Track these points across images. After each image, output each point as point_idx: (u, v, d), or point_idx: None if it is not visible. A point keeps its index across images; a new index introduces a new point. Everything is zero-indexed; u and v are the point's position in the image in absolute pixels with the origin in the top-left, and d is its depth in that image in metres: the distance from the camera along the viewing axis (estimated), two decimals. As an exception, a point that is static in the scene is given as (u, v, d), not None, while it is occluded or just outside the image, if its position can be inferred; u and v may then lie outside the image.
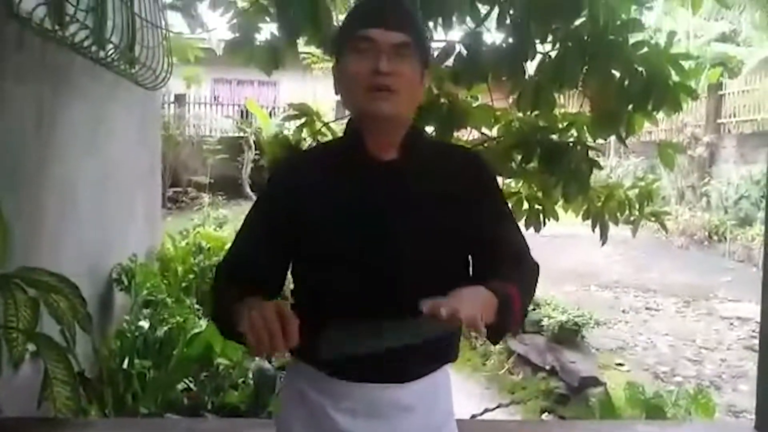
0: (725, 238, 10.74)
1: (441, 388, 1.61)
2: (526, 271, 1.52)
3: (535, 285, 1.54)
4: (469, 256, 1.56)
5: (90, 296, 3.65)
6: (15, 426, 2.31)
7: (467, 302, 1.24)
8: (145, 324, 3.92)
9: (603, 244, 3.38)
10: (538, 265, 1.55)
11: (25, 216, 2.88)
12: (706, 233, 11.13)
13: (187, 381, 3.70)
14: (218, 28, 3.55)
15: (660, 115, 2.96)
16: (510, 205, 3.23)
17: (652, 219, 3.41)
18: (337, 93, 1.55)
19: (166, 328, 3.90)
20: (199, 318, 4.19)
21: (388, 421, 1.51)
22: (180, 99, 15.19)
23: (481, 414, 3.95)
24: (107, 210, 4.33)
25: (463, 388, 5.77)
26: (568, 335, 6.15)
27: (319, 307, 1.49)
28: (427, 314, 1.22)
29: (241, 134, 14.51)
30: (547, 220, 3.29)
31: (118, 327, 4.03)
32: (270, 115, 14.74)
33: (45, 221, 3.12)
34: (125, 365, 3.51)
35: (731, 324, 7.53)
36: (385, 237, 1.46)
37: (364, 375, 1.45)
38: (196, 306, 4.48)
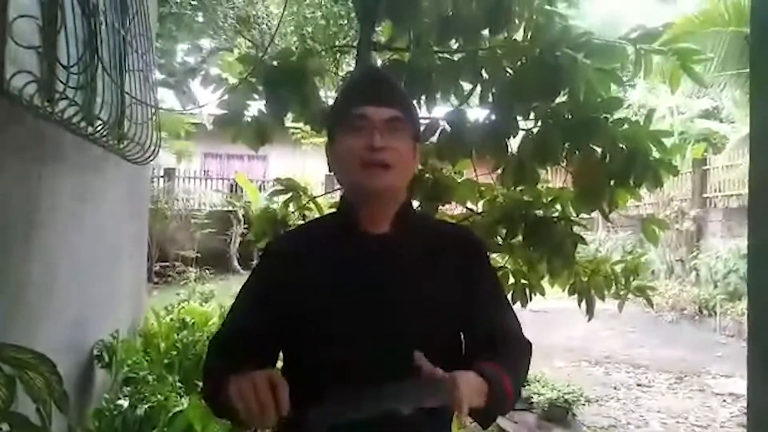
0: (715, 313, 10.73)
1: None
2: (519, 352, 1.53)
3: (528, 365, 1.56)
4: (461, 333, 1.56)
5: (69, 373, 3.59)
6: None
7: (461, 383, 1.25)
8: (124, 402, 3.84)
9: (589, 320, 3.37)
10: (530, 344, 1.56)
11: (7, 291, 2.86)
12: (697, 308, 11.13)
13: (166, 462, 3.62)
14: (209, 103, 3.62)
15: (644, 190, 3.01)
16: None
17: (638, 294, 3.41)
18: (330, 170, 1.58)
19: (146, 406, 3.82)
20: (181, 396, 4.11)
21: None
22: (170, 173, 15.30)
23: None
24: (91, 285, 4.30)
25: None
26: (559, 413, 6.06)
27: (310, 383, 1.47)
28: (423, 373, 1.23)
29: (231, 208, 14.57)
30: (533, 294, 3.29)
31: (98, 405, 3.95)
32: (260, 189, 14.84)
33: (27, 296, 3.09)
34: (104, 445, 3.44)
35: (724, 401, 7.44)
36: (377, 310, 1.47)
37: None
38: (179, 383, 4.40)
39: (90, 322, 4.32)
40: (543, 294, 3.32)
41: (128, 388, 4.23)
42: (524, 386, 6.38)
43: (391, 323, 1.47)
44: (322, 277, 1.50)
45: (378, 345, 1.46)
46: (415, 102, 2.89)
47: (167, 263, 13.19)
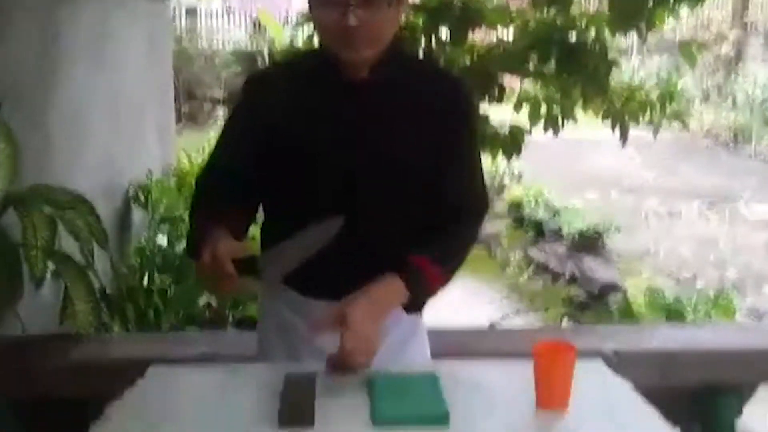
0: (751, 139, 10.56)
1: None
2: (464, 226, 1.56)
3: (474, 235, 1.60)
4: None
5: (108, 214, 3.68)
6: (39, 343, 2.36)
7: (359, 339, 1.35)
8: (163, 240, 3.95)
9: (623, 146, 3.33)
10: (485, 206, 1.61)
11: (35, 137, 2.88)
12: (732, 134, 10.94)
13: (207, 296, 3.75)
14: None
15: (683, 12, 2.86)
16: (527, 107, 3.20)
17: (674, 119, 3.33)
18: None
19: (184, 244, 3.93)
20: (218, 232, 4.21)
21: None
22: (191, 12, 14.97)
23: (500, 321, 3.98)
24: (120, 127, 4.31)
25: (481, 297, 5.82)
26: (589, 242, 6.13)
27: (287, 221, 1.49)
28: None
29: (255, 47, 14.30)
30: (565, 122, 3.23)
31: (138, 244, 4.07)
32: (283, 25, 14.46)
33: (56, 141, 3.11)
34: (146, 281, 3.56)
35: (755, 227, 7.47)
36: (346, 154, 1.47)
37: (331, 293, 1.45)
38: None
39: (123, 165, 4.38)
40: (575, 121, 3.25)
41: (166, 227, 4.35)
42: (553, 216, 6.46)
43: (359, 167, 1.47)
44: (298, 116, 1.48)
45: (351, 183, 1.48)
46: None
47: (195, 104, 13.17)
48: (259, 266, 1.36)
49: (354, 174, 1.47)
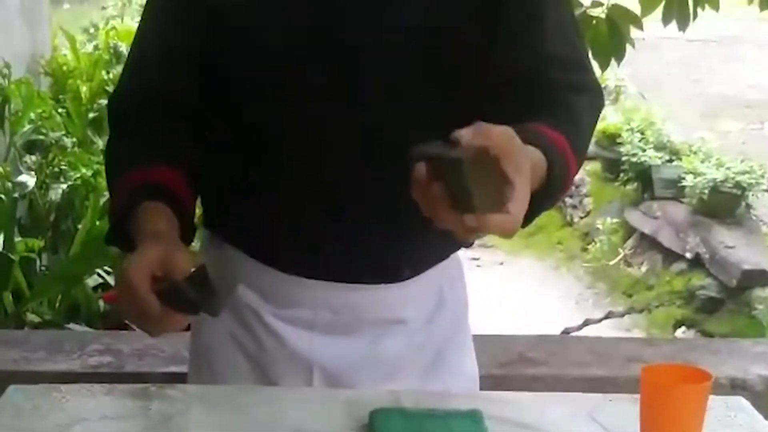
0: None
1: (447, 288, 1.62)
2: (584, 107, 1.47)
3: (594, 126, 1.51)
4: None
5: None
6: None
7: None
8: (29, 180, 3.91)
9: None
10: (601, 92, 1.53)
11: None
12: None
13: (102, 272, 3.74)
14: None
15: None
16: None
17: None
18: None
19: (65, 186, 3.90)
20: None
21: (365, 340, 1.53)
22: None
23: (580, 328, 4.00)
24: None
25: (551, 287, 5.84)
26: (725, 203, 6.12)
27: (247, 145, 1.48)
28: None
29: None
30: (700, 8, 3.20)
31: (-13, 184, 4.05)
32: None
33: None
34: (0, 246, 3.55)
35: None
36: (350, 36, 1.42)
37: (331, 271, 1.46)
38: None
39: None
40: (717, 7, 3.23)
41: (33, 158, 4.31)
42: (669, 160, 6.46)
43: (374, 54, 1.43)
44: None
45: (350, 94, 1.42)
46: None
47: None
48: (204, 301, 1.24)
49: (359, 72, 1.42)
